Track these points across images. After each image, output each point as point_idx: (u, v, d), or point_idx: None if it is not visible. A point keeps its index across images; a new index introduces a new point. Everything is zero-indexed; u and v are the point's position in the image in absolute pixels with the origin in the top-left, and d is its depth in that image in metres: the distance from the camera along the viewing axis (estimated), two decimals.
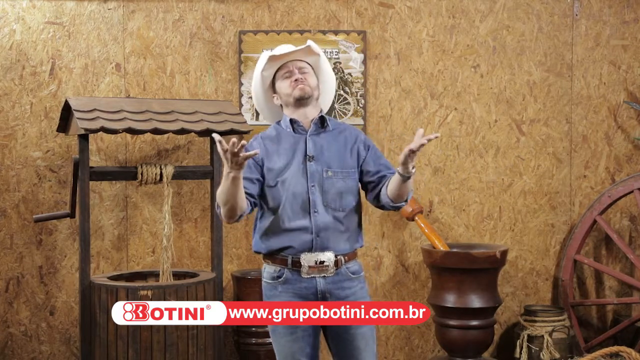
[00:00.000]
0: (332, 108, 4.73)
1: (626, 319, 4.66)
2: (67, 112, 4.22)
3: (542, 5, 4.83)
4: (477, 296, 4.38)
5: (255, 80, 3.18)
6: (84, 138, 4.00)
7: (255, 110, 4.75)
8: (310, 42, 3.12)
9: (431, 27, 4.80)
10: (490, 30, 4.82)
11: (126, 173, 4.15)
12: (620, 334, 4.68)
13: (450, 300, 4.40)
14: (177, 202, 4.72)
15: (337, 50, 4.72)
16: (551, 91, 4.85)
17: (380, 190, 3.05)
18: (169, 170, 4.17)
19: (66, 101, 4.15)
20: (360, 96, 4.76)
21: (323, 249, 2.96)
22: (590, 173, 4.89)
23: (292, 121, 3.06)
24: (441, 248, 4.50)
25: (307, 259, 2.95)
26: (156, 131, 4.06)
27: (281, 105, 3.14)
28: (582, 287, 4.95)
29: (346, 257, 3.02)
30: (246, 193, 2.91)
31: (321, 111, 3.10)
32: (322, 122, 3.07)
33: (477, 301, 4.37)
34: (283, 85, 3.08)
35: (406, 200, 3.01)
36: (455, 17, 4.80)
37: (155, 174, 4.14)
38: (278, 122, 3.13)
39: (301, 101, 3.04)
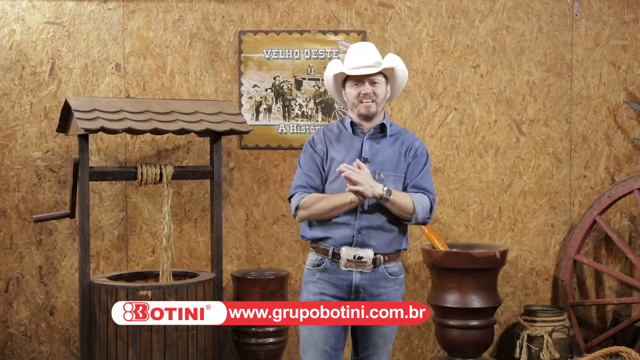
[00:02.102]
0: (332, 108, 4.73)
1: (626, 319, 4.66)
2: (67, 112, 4.22)
3: (542, 6, 4.83)
4: (477, 296, 4.37)
5: (326, 78, 3.26)
6: (83, 138, 4.00)
7: (255, 110, 4.75)
8: (385, 62, 3.15)
9: (431, 27, 4.80)
10: (490, 30, 4.82)
11: (126, 173, 4.15)
12: (620, 334, 4.68)
13: (450, 300, 4.39)
14: (177, 202, 4.72)
15: (337, 51, 4.72)
16: (551, 91, 4.85)
17: None
18: (168, 171, 4.17)
19: (66, 101, 4.14)
20: None
21: (363, 245, 3.06)
22: (590, 173, 4.89)
23: (352, 124, 3.17)
24: (441, 248, 4.50)
25: (346, 253, 3.05)
26: (156, 131, 4.06)
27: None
28: (582, 287, 4.95)
29: (386, 257, 3.11)
30: (316, 190, 3.12)
31: (384, 117, 3.20)
32: (382, 128, 3.17)
33: (477, 301, 4.37)
34: (351, 93, 3.15)
35: (414, 221, 3.13)
36: (455, 17, 4.80)
37: (155, 174, 4.14)
38: (341, 120, 3.24)
39: (365, 118, 3.15)
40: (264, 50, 4.73)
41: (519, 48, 4.82)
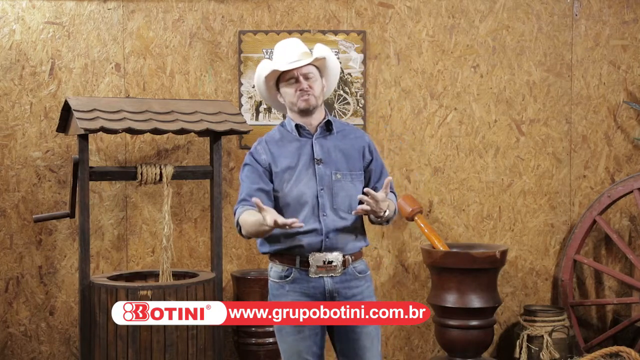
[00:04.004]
0: (332, 108, 4.73)
1: (626, 319, 4.66)
2: (66, 112, 4.22)
3: (542, 5, 4.83)
4: (477, 296, 4.38)
5: (258, 82, 3.12)
6: (83, 138, 4.00)
7: (255, 110, 4.75)
8: (316, 52, 3.03)
9: (431, 27, 4.80)
10: (490, 30, 4.82)
11: (126, 173, 4.15)
12: (620, 334, 4.68)
13: (450, 300, 4.40)
14: (177, 202, 4.72)
15: (337, 51, 4.72)
16: (551, 91, 4.85)
17: None
18: (168, 170, 4.17)
19: (66, 101, 4.15)
20: (360, 96, 4.76)
21: (331, 249, 2.97)
22: (590, 173, 4.89)
23: (297, 126, 3.04)
24: (441, 248, 4.50)
25: (316, 259, 2.95)
26: (156, 131, 4.06)
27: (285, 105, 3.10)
28: (581, 287, 4.95)
29: (353, 257, 3.03)
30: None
31: (326, 114, 3.08)
32: (327, 126, 3.06)
33: (476, 301, 4.37)
34: (288, 92, 3.01)
35: (388, 222, 3.04)
36: (455, 17, 4.80)
37: (155, 174, 4.14)
38: (282, 124, 3.10)
39: (306, 112, 3.02)
40: (264, 50, 4.73)
41: (518, 48, 4.83)
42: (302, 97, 2.98)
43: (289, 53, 3.00)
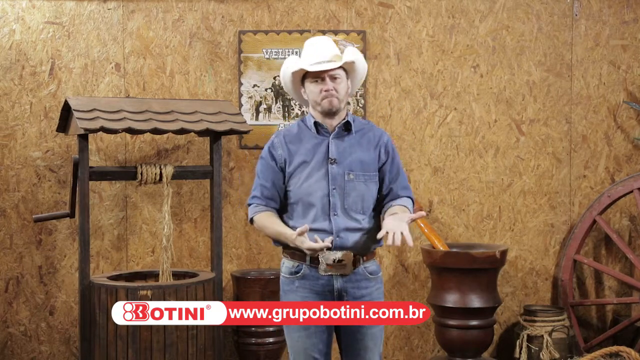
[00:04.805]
0: None
1: (626, 319, 4.66)
2: (66, 112, 4.22)
3: (542, 5, 4.83)
4: (477, 296, 4.38)
5: (284, 76, 3.12)
6: (83, 138, 4.00)
7: (255, 110, 4.75)
8: (346, 55, 3.04)
9: (431, 27, 4.80)
10: (490, 30, 4.82)
11: (126, 173, 4.15)
12: (620, 334, 4.68)
13: (450, 300, 4.40)
14: (177, 202, 4.72)
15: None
16: (551, 91, 4.85)
17: (383, 206, 3.07)
18: (168, 170, 4.17)
19: (66, 101, 4.15)
20: (360, 96, 4.76)
21: (342, 248, 2.97)
22: (590, 173, 4.89)
23: (316, 124, 3.06)
24: (441, 248, 4.50)
25: (326, 257, 2.95)
26: (156, 131, 4.06)
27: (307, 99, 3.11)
28: (581, 287, 4.95)
29: (364, 257, 3.04)
30: (273, 199, 3.06)
31: (347, 114, 3.09)
32: (346, 126, 3.07)
33: (476, 301, 4.37)
34: (312, 89, 3.03)
35: None
36: (454, 17, 4.80)
37: (155, 174, 4.14)
38: (303, 120, 3.12)
39: (329, 113, 3.03)
40: (264, 50, 4.73)
41: (518, 48, 4.82)
42: (326, 97, 3.00)
43: (319, 52, 3.02)
